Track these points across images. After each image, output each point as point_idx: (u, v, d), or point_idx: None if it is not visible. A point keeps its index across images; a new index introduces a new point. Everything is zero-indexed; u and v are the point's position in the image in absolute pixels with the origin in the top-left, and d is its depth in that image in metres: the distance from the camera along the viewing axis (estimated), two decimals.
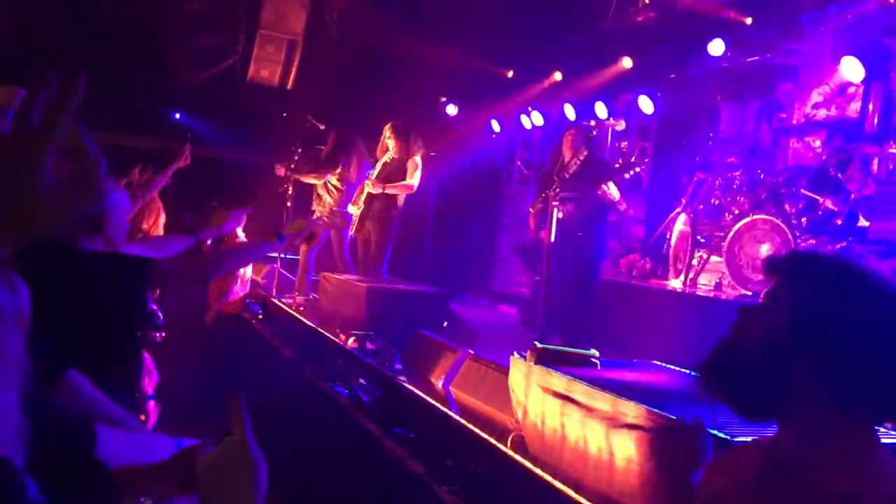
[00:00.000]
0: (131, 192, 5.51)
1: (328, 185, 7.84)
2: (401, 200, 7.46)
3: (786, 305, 1.42)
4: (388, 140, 7.41)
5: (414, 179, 7.30)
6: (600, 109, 8.57)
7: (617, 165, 6.97)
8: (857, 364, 1.35)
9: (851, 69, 5.85)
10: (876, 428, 1.43)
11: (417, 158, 7.33)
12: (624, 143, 9.24)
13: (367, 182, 7.45)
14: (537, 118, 9.72)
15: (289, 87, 9.50)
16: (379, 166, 7.46)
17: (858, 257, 5.75)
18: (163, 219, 7.28)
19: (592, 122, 4.98)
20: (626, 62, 8.28)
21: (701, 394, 1.50)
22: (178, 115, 11.82)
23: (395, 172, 7.37)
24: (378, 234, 7.44)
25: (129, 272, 2.50)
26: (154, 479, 1.67)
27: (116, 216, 3.11)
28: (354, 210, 7.51)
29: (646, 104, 8.18)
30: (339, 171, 7.72)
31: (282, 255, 8.10)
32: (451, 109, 11.06)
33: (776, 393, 1.41)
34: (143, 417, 3.77)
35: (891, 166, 5.86)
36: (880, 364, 1.35)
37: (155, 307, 4.12)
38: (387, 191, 7.30)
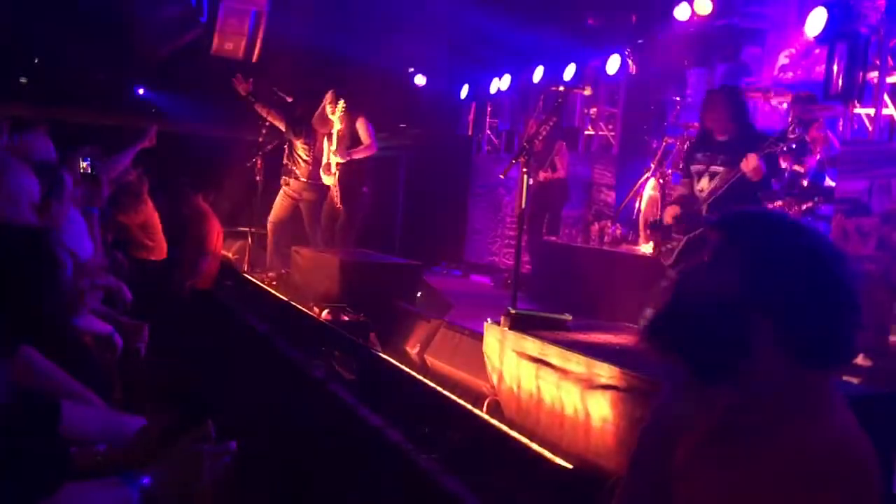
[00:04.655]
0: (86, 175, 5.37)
1: (298, 158, 7.76)
2: (364, 174, 7.41)
3: (734, 264, 1.43)
4: (329, 106, 7.35)
5: (371, 140, 7.28)
6: (568, 74, 8.58)
7: None
8: (808, 316, 1.38)
9: (816, 22, 5.87)
10: (829, 375, 1.45)
11: (363, 120, 7.28)
12: (593, 110, 9.25)
13: (331, 154, 7.38)
14: (506, 81, 9.74)
15: (254, 59, 9.36)
16: (333, 139, 7.40)
17: (816, 216, 5.85)
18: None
19: (561, 88, 4.95)
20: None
21: (651, 353, 1.51)
22: (141, 91, 11.63)
23: (348, 139, 7.32)
24: (346, 209, 7.40)
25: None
26: (117, 456, 1.67)
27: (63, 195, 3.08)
28: (331, 180, 7.42)
29: (613, 64, 8.20)
30: (303, 140, 7.67)
31: (252, 230, 8.04)
32: (420, 80, 10.99)
33: (729, 349, 1.42)
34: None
35: (855, 126, 5.93)
36: (829, 314, 1.38)
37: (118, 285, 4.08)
38: (354, 157, 7.26)
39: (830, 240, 1.48)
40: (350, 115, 7.29)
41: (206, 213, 7.78)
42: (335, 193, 7.35)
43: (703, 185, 4.91)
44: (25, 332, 2.17)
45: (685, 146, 7.13)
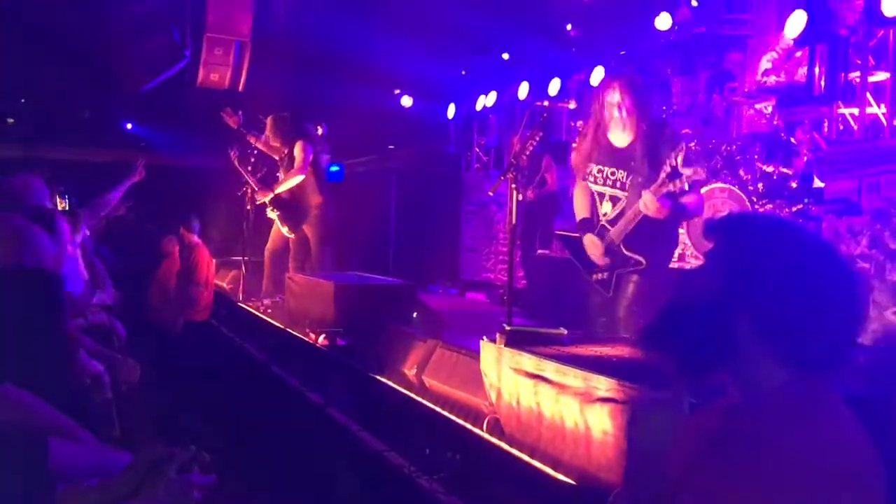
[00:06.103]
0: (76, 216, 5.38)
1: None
2: (319, 198, 7.36)
3: (724, 266, 1.45)
4: (270, 134, 7.37)
5: (301, 164, 7.16)
6: (553, 89, 8.62)
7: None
8: (795, 318, 1.38)
9: (795, 24, 5.91)
10: (826, 377, 1.44)
11: (301, 144, 7.21)
12: (580, 123, 9.28)
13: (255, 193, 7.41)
14: (491, 98, 9.80)
15: (240, 89, 9.39)
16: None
17: (807, 217, 5.87)
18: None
19: (545, 103, 4.96)
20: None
21: (647, 354, 1.52)
22: (129, 126, 11.66)
23: (290, 165, 7.30)
24: (314, 236, 7.38)
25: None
26: (106, 491, 1.67)
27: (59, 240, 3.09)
28: (273, 214, 7.40)
29: (597, 77, 8.26)
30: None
31: (245, 259, 8.02)
32: (406, 101, 11.02)
33: (721, 351, 1.43)
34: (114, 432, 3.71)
35: (840, 126, 5.96)
36: (818, 317, 1.38)
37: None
38: (278, 190, 7.24)
39: (827, 244, 1.48)
40: (290, 140, 7.28)
41: (194, 245, 7.77)
42: (278, 225, 7.37)
43: (607, 209, 4.10)
44: (30, 373, 2.17)
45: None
